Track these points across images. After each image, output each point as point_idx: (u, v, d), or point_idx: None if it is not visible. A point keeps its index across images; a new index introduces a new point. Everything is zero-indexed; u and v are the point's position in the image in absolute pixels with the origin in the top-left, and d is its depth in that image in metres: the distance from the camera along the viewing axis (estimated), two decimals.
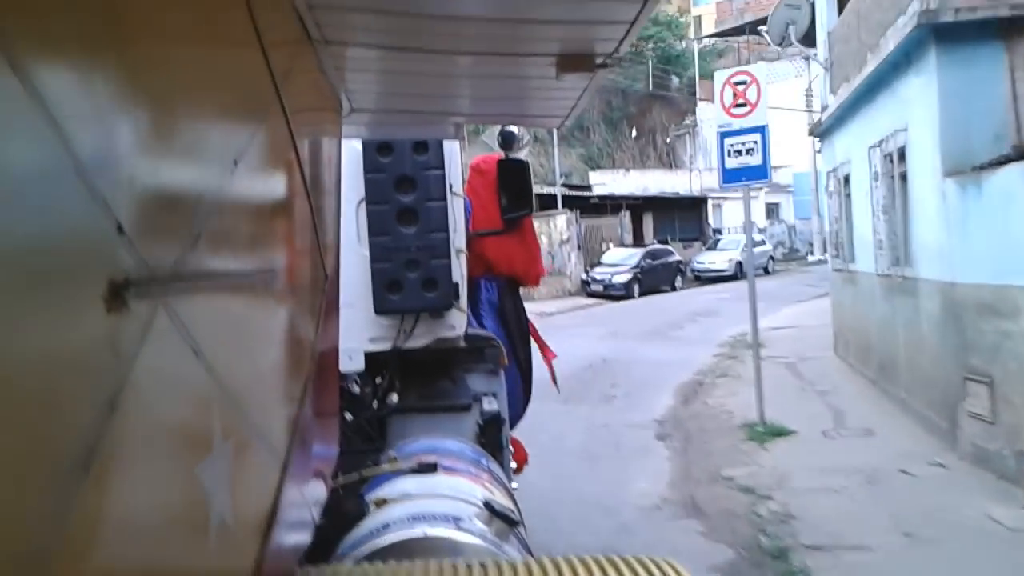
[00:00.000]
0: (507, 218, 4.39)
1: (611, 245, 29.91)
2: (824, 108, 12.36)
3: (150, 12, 0.94)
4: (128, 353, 0.80)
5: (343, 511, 2.62)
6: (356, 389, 3.88)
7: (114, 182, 0.78)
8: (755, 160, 8.43)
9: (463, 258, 3.96)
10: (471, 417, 3.95)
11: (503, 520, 2.46)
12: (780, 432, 8.41)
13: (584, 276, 27.41)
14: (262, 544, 1.38)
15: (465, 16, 2.02)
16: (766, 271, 32.04)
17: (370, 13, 1.97)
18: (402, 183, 3.64)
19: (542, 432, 8.87)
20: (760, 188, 37.78)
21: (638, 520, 6.36)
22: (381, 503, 2.61)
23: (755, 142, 8.44)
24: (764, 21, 34.23)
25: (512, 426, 4.39)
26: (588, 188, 33.26)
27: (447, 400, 4.01)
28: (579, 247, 28.50)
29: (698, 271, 30.90)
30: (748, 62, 44.77)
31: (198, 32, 1.13)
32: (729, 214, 37.66)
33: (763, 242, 33.74)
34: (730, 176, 8.69)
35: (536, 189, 27.10)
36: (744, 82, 8.48)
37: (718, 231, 36.01)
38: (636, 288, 26.40)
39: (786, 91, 31.77)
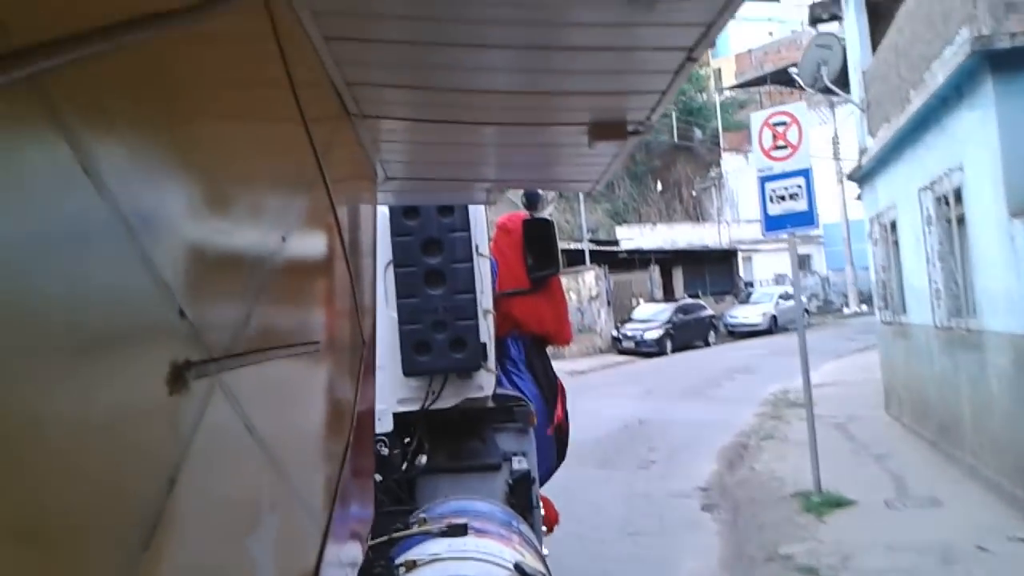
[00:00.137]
0: (534, 277, 4.40)
1: (641, 300, 29.36)
2: (863, 151, 11.79)
3: (203, 98, 0.99)
4: (187, 432, 0.84)
5: (373, 574, 2.64)
6: (385, 451, 3.85)
7: (175, 266, 0.83)
8: (800, 205, 7.85)
9: (490, 318, 3.96)
10: (501, 477, 3.95)
11: None
12: (838, 502, 7.65)
13: (615, 332, 26.75)
14: None
15: (498, 90, 2.04)
16: None
17: (405, 88, 2.04)
18: (429, 245, 3.70)
19: (578, 501, 8.25)
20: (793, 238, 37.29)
21: None
22: (411, 566, 2.62)
23: (799, 186, 7.87)
24: (784, 71, 34.30)
25: (542, 483, 4.37)
26: (615, 243, 32.87)
27: (476, 460, 4.02)
28: (608, 303, 27.97)
29: (731, 326, 30.13)
30: (751, 127, 44.40)
31: (245, 111, 1.19)
32: (760, 266, 37.05)
33: None
34: (773, 224, 8.09)
35: (563, 245, 26.65)
36: (784, 123, 7.96)
37: (750, 284, 35.36)
38: (669, 344, 25.69)
39: (812, 140, 31.26)
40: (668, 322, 26.20)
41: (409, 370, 3.75)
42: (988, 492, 7.39)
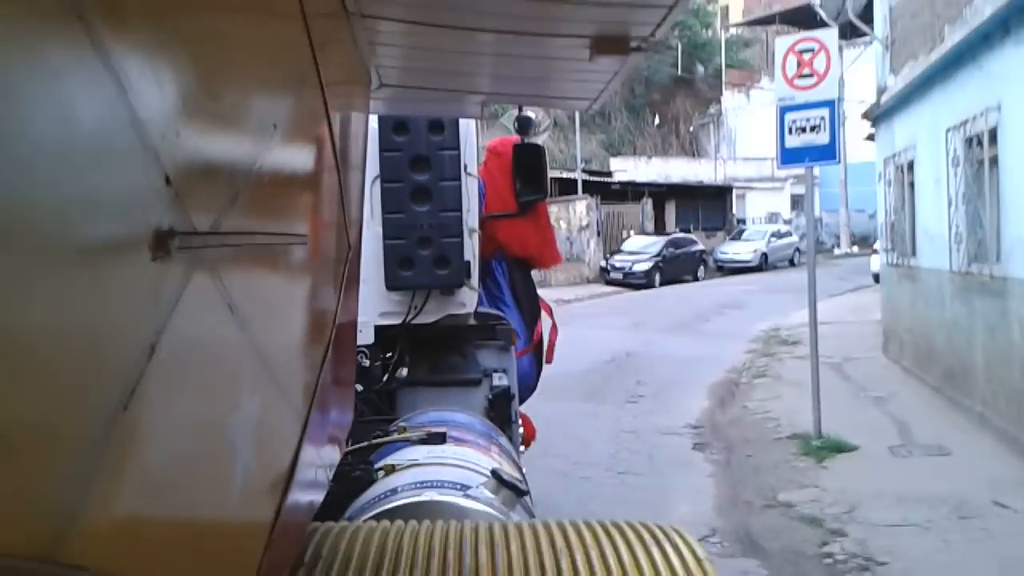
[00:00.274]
0: (521, 201, 4.41)
1: (632, 232, 28.88)
2: (882, 90, 11.14)
3: None
4: (169, 302, 0.83)
5: (352, 476, 2.70)
6: (366, 362, 3.88)
7: (164, 136, 0.82)
8: (821, 139, 7.26)
9: (475, 237, 4.01)
10: (481, 392, 4.01)
11: (510, 489, 2.45)
12: (839, 447, 7.30)
13: (603, 263, 26.33)
14: (280, 498, 1.40)
15: None
16: (791, 263, 31.00)
17: None
18: (417, 162, 3.70)
19: (564, 437, 7.87)
20: (786, 180, 36.72)
21: None
22: (390, 469, 2.67)
23: (822, 118, 7.27)
24: (795, 11, 33.16)
25: (522, 401, 4.43)
26: (609, 174, 32.17)
27: (457, 374, 4.08)
28: (599, 234, 27.49)
29: (721, 261, 29.85)
30: (775, 53, 43.43)
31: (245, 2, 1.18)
32: (753, 204, 36.57)
33: (789, 233, 32.58)
34: (790, 156, 7.51)
35: (556, 174, 26.42)
36: (811, 49, 7.29)
37: (742, 221, 34.92)
38: (657, 277, 25.37)
39: None
40: (658, 255, 25.81)
41: (392, 284, 3.77)
42: (1000, 443, 7.06)
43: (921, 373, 9.81)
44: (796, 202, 37.90)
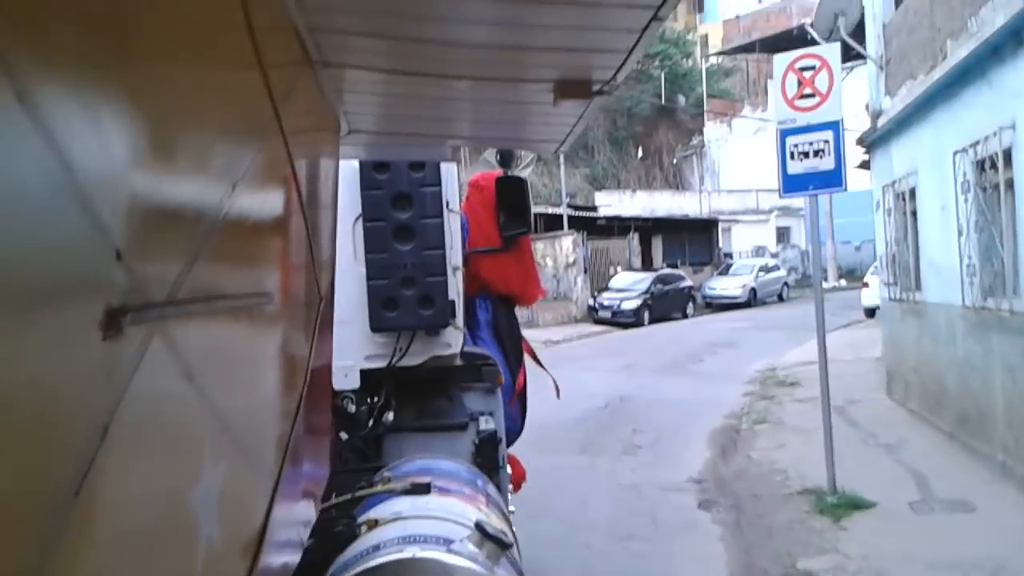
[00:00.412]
0: (505, 236, 4.34)
1: (619, 269, 28.42)
2: (877, 113, 10.75)
3: (152, 33, 0.93)
4: (122, 380, 0.80)
5: (334, 532, 2.66)
6: (351, 408, 3.82)
7: (113, 206, 0.78)
8: (826, 164, 6.75)
9: (459, 275, 3.95)
10: (467, 436, 3.96)
11: (495, 543, 2.42)
12: (856, 504, 6.72)
13: (591, 301, 25.79)
14: (251, 565, 1.38)
15: (465, 43, 2.03)
16: (780, 298, 30.65)
17: (370, 37, 2.02)
18: (399, 200, 3.66)
19: (559, 495, 7.29)
20: (771, 212, 36.56)
21: None
22: (372, 524, 2.66)
23: (826, 141, 6.76)
24: (773, 39, 33.22)
25: (509, 443, 4.36)
26: (594, 209, 31.84)
27: (443, 419, 4.03)
28: (585, 270, 26.99)
29: (710, 298, 29.37)
30: (756, 82, 43.72)
31: (199, 53, 1.13)
32: (739, 238, 36.31)
33: (776, 267, 32.26)
34: (792, 184, 6.98)
35: (541, 209, 25.99)
36: (812, 67, 6.82)
37: (729, 255, 34.57)
38: (646, 315, 24.82)
39: None
40: (646, 292, 25.28)
41: (376, 326, 3.71)
42: None
43: (931, 417, 9.26)
44: (782, 235, 37.68)
